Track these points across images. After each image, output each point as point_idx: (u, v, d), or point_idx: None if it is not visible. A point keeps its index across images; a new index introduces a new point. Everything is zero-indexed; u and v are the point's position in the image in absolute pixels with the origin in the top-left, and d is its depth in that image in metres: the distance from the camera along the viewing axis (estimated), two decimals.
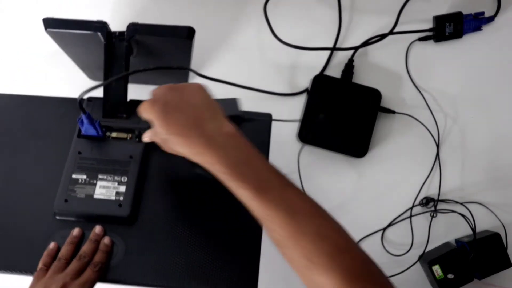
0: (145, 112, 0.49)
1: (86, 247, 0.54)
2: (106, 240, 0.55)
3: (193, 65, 0.67)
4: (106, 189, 0.56)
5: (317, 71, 0.74)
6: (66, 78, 0.73)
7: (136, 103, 0.54)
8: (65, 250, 0.54)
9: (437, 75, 0.74)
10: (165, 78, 0.65)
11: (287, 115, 0.74)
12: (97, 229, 0.55)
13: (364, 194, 0.74)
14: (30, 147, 0.61)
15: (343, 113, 0.71)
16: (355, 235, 0.74)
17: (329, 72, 0.74)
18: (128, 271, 0.54)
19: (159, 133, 0.48)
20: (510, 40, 0.74)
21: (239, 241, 0.57)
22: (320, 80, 0.72)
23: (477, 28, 0.73)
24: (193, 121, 0.47)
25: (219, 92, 0.54)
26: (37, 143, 0.61)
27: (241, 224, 0.57)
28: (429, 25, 0.73)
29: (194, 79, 0.71)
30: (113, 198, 0.56)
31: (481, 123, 0.74)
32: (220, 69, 0.76)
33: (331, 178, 0.74)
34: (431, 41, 0.73)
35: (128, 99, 0.61)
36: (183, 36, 0.57)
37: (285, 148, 0.75)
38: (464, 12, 0.72)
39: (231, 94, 0.59)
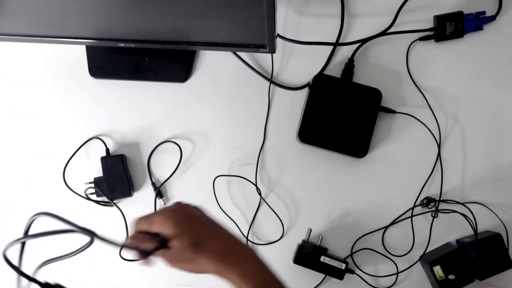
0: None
1: None
2: None
3: None
4: None
5: (317, 71, 0.74)
6: None
7: None
8: None
9: (438, 75, 0.74)
10: None
11: (288, 108, 0.75)
12: None
13: (364, 194, 0.74)
14: None
15: (343, 113, 0.71)
16: (356, 236, 0.74)
17: (329, 72, 0.74)
18: None
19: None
20: (511, 39, 0.73)
21: None
22: (320, 80, 0.71)
23: (478, 27, 0.72)
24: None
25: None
26: None
27: None
28: (430, 24, 0.73)
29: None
30: None
31: (482, 123, 0.73)
32: None
33: (331, 179, 0.74)
34: (432, 41, 0.73)
35: None
36: None
37: (285, 148, 0.74)
38: (465, 12, 0.72)
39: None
